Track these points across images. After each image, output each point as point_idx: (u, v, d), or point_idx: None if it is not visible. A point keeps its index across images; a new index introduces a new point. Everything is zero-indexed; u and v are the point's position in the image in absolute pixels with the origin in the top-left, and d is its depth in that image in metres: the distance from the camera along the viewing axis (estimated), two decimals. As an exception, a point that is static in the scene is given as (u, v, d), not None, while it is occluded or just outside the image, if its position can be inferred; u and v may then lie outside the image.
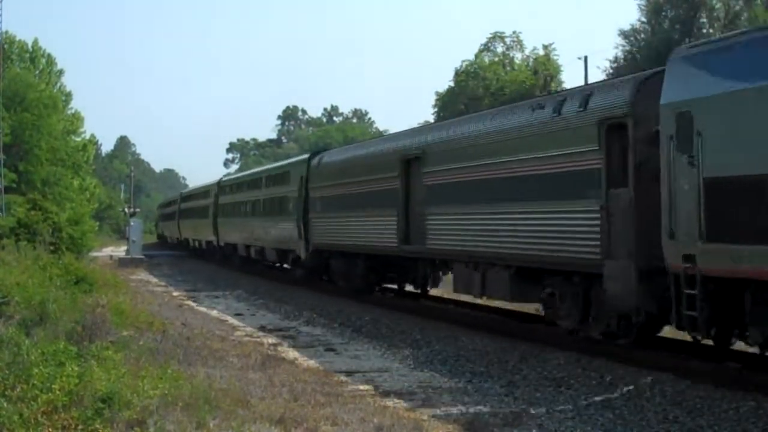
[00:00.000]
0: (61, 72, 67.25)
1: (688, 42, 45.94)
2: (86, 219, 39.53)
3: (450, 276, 19.59)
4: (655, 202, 11.62)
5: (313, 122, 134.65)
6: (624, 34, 49.33)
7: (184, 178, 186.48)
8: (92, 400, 8.17)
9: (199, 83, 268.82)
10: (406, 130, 23.74)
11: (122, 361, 10.24)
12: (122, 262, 41.91)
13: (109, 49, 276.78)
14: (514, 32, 59.18)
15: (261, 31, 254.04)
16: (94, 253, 39.72)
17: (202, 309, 23.72)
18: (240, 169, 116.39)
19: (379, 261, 23.03)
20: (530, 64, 57.24)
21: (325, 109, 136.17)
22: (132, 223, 47.82)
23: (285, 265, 32.95)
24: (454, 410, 10.81)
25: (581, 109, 13.68)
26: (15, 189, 50.92)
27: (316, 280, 28.53)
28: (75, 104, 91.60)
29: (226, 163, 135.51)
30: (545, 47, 58.11)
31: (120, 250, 50.23)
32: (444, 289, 22.52)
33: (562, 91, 22.16)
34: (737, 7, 45.85)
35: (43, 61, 65.81)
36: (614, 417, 10.48)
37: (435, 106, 61.52)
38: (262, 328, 19.40)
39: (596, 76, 59.11)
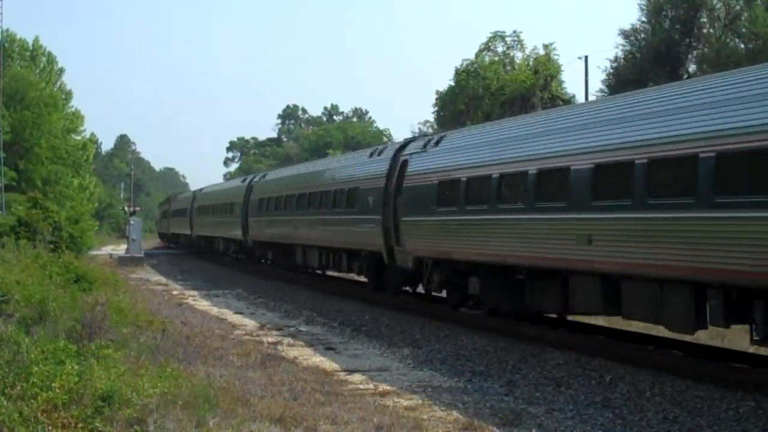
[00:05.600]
0: (61, 70, 67.15)
1: (689, 41, 46.19)
2: (86, 218, 39.58)
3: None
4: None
5: (313, 121, 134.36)
6: (624, 34, 49.22)
7: (184, 177, 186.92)
8: (92, 398, 8.16)
9: (199, 82, 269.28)
10: None
11: (122, 360, 10.24)
12: (122, 261, 41.91)
13: (109, 47, 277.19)
14: (514, 32, 58.70)
15: (261, 29, 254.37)
16: (94, 252, 39.74)
17: (202, 307, 23.72)
18: (240, 169, 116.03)
19: None
20: (531, 63, 57.01)
21: (325, 108, 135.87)
22: (132, 222, 47.71)
23: None
24: (454, 409, 10.81)
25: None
26: (15, 187, 50.86)
27: None
28: (75, 103, 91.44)
29: (226, 162, 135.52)
30: (546, 47, 57.78)
31: (120, 249, 50.21)
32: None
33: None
34: (737, 7, 45.76)
35: (44, 59, 65.68)
36: (614, 417, 10.48)
37: (435, 105, 61.45)
38: (262, 327, 19.41)
39: (597, 75, 59.00)
